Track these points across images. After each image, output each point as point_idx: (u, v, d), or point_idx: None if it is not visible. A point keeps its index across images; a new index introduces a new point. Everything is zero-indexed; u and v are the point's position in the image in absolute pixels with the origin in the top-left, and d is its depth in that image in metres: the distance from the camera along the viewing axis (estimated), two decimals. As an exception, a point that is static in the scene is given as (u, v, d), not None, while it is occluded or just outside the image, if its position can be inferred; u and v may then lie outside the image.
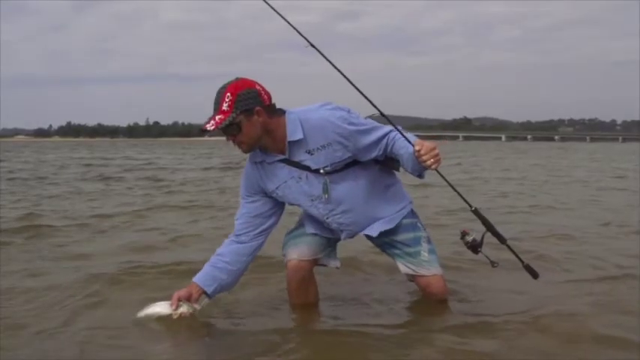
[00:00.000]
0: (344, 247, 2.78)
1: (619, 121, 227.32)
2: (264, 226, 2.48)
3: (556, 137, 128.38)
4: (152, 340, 2.31)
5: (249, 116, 2.19)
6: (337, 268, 2.68)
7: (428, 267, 2.52)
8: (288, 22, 2.38)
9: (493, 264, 2.47)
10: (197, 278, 2.43)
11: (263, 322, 2.50)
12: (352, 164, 2.37)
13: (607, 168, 15.15)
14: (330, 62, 2.37)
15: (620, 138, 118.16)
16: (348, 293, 2.95)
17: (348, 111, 2.31)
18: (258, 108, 2.20)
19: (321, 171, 2.31)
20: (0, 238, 4.26)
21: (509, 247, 2.42)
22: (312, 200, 2.39)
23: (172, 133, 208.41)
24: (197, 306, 2.39)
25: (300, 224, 2.61)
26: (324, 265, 2.64)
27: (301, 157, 2.31)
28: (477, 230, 2.44)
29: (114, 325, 2.43)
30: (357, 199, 2.40)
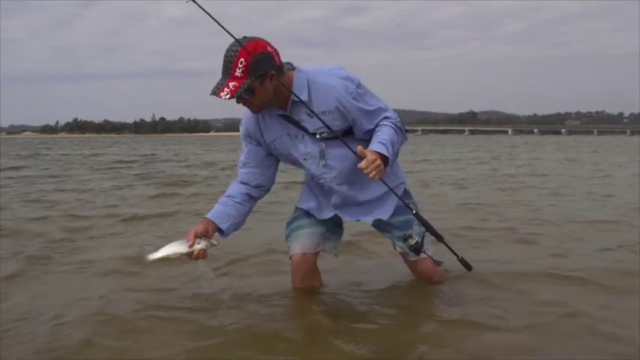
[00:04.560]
0: (347, 233, 2.79)
1: (626, 114, 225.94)
2: (267, 175, 2.47)
3: (563, 131, 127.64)
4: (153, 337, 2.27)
5: (263, 81, 2.15)
6: (335, 255, 2.69)
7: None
8: (224, 28, 2.18)
9: (438, 263, 2.56)
10: (211, 215, 2.37)
11: (264, 313, 2.51)
12: (349, 132, 2.34)
13: None
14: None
15: (628, 131, 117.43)
16: (351, 278, 2.98)
17: (358, 85, 2.28)
18: (271, 72, 2.15)
19: (317, 136, 2.30)
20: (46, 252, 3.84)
21: (445, 244, 2.49)
22: (306, 159, 2.37)
23: (178, 129, 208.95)
24: (214, 242, 2.32)
25: (298, 212, 2.62)
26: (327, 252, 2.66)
27: (301, 117, 2.28)
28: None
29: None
30: (350, 167, 2.38)
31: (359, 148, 2.18)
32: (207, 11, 2.15)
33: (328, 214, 2.55)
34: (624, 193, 7.15)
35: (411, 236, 2.46)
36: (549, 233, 4.27)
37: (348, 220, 2.59)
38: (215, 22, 2.15)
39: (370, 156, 2.15)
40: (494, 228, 4.53)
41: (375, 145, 2.21)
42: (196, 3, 2.13)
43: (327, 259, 2.80)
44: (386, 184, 2.35)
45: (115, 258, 3.54)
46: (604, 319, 2.39)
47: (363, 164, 2.14)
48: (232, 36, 2.15)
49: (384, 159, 2.20)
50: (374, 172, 2.14)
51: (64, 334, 2.28)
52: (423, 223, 2.44)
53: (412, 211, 2.43)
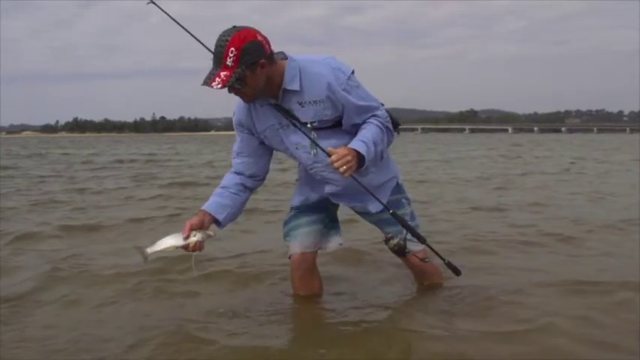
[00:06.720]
0: (347, 238, 2.78)
1: (626, 112, 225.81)
2: (260, 165, 2.46)
3: (563, 129, 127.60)
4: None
5: (254, 70, 2.13)
6: (340, 244, 2.67)
7: (409, 246, 2.53)
8: (192, 34, 2.23)
9: (424, 260, 2.55)
10: (207, 206, 2.36)
11: (265, 318, 2.53)
12: (340, 124, 2.32)
13: None
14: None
15: (628, 129, 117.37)
16: (353, 283, 2.98)
17: (349, 76, 2.26)
18: (262, 61, 2.13)
19: (308, 125, 2.27)
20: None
21: (429, 246, 2.48)
22: (297, 148, 2.35)
23: (178, 128, 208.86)
24: (211, 232, 2.31)
25: (294, 210, 2.61)
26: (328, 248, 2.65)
27: (292, 106, 2.26)
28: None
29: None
30: None
31: (328, 148, 2.19)
32: (170, 14, 2.19)
33: (315, 196, 2.53)
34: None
35: (392, 237, 2.46)
36: (576, 235, 4.16)
37: (343, 204, 2.55)
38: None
39: (342, 151, 2.15)
40: (514, 229, 4.41)
41: (354, 143, 2.22)
42: (158, 6, 2.15)
43: (329, 262, 2.80)
44: (359, 183, 2.32)
45: (119, 262, 3.53)
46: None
47: (333, 158, 2.15)
48: (201, 43, 2.15)
49: (361, 157, 2.20)
50: (344, 167, 2.14)
51: (78, 347, 2.27)
52: (402, 223, 2.42)
53: (389, 210, 2.41)
